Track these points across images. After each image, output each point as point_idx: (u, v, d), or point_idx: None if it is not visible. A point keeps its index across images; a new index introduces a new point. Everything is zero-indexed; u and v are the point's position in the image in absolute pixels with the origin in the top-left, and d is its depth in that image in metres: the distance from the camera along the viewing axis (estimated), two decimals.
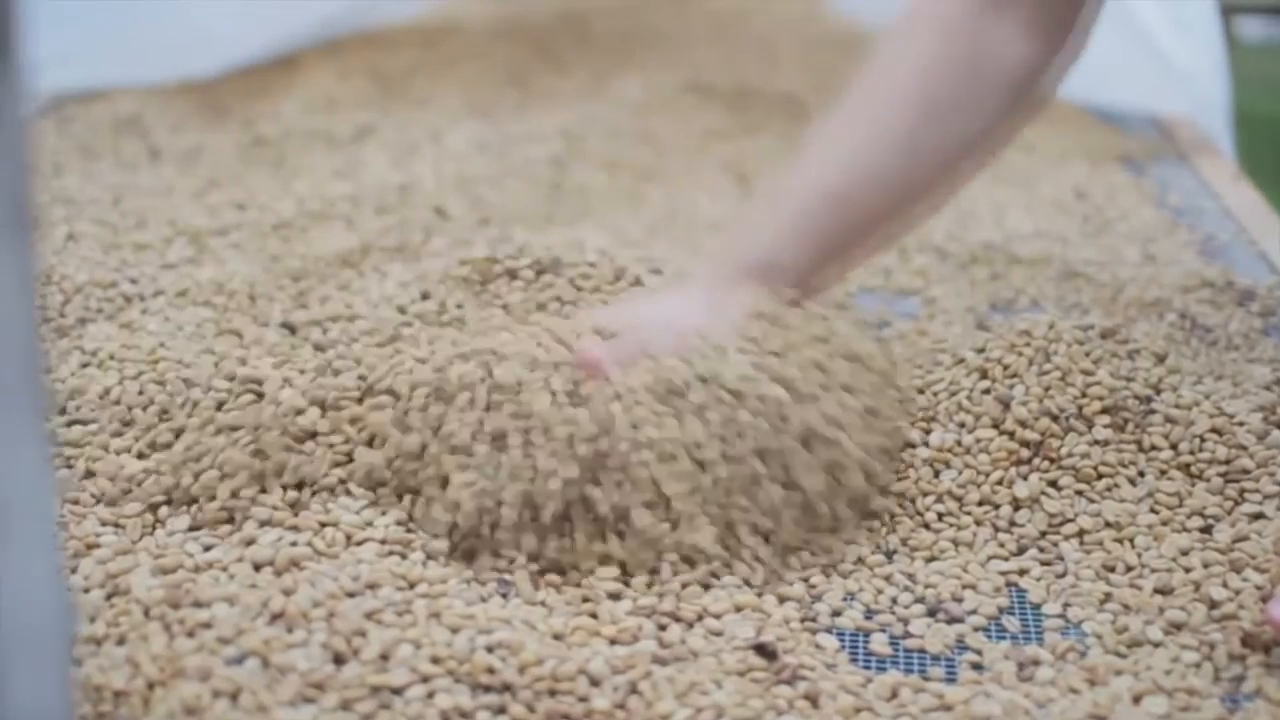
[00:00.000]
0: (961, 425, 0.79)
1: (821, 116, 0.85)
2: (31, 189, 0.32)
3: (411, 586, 0.66)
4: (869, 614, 0.69)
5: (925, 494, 0.77)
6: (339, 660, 0.61)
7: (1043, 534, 0.75)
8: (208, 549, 0.69)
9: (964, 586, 0.71)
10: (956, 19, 0.83)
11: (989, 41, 0.83)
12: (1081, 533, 0.75)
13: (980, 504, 0.76)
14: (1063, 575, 0.72)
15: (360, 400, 0.75)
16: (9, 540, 0.32)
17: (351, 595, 0.64)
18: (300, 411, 0.75)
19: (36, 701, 0.33)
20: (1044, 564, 0.73)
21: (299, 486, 0.72)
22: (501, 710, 0.59)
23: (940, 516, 0.76)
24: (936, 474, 0.77)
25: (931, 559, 0.73)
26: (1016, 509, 0.76)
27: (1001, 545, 0.74)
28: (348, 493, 0.72)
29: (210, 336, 0.89)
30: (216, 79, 1.49)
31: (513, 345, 0.74)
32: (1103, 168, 1.34)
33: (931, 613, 0.69)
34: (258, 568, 0.68)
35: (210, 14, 1.48)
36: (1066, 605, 0.70)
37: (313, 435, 0.74)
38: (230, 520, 0.71)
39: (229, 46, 1.51)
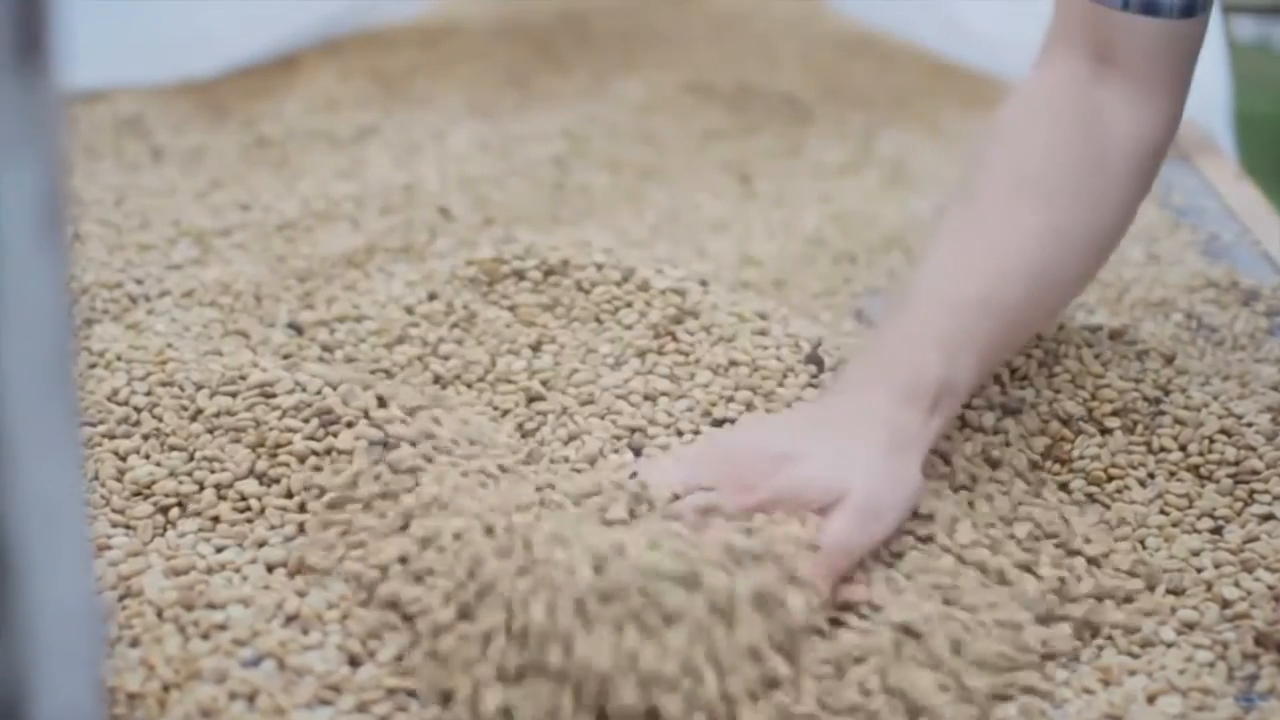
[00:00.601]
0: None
1: (948, 214, 0.79)
2: (65, 192, 0.32)
3: None
4: None
5: None
6: (354, 662, 0.61)
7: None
8: (219, 550, 0.69)
9: None
10: (1073, 101, 0.79)
11: (1110, 121, 0.79)
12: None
13: None
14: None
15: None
16: (42, 546, 0.32)
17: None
18: (309, 416, 0.75)
19: (70, 708, 0.33)
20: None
21: (307, 489, 0.72)
22: None
23: None
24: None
25: None
26: None
27: None
28: None
29: (217, 337, 0.88)
30: (217, 79, 1.48)
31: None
32: None
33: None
34: (270, 569, 0.68)
35: (210, 14, 1.48)
36: None
37: (322, 438, 0.74)
38: (241, 522, 0.71)
39: (229, 46, 1.51)
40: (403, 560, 0.63)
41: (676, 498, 0.65)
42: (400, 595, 0.62)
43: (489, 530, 0.61)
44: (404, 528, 0.66)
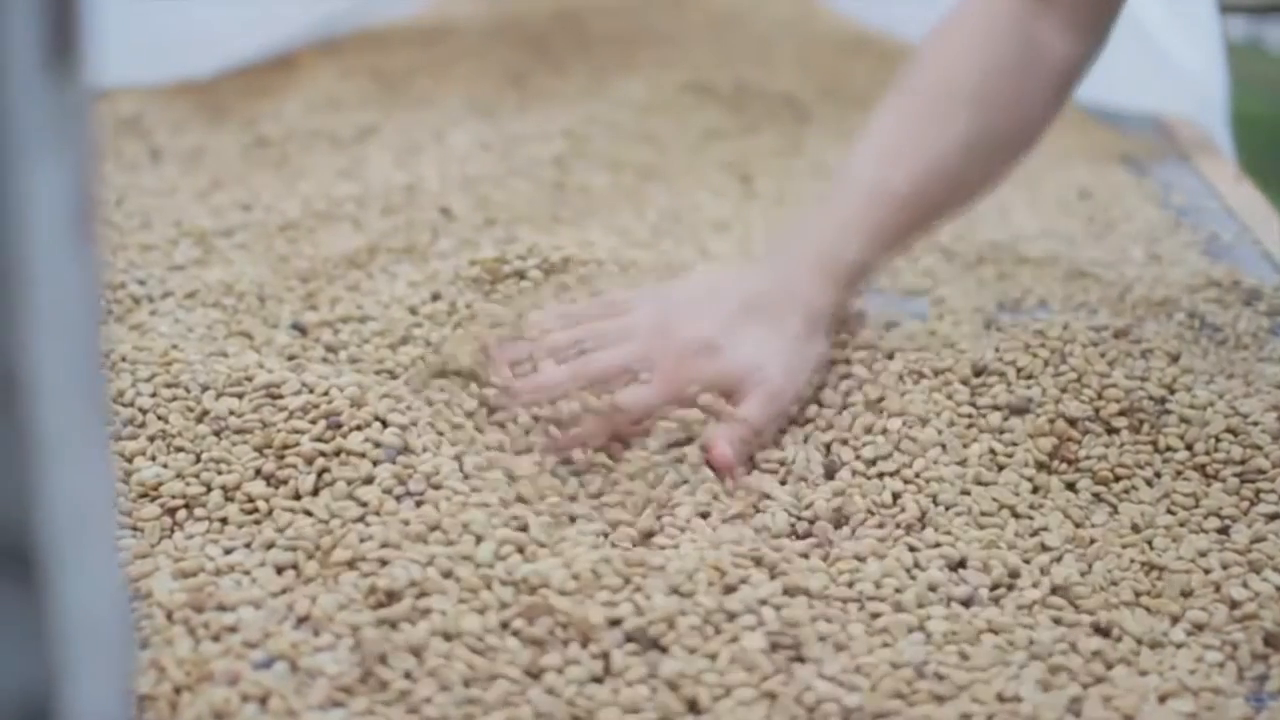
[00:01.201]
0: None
1: (885, 106, 0.87)
2: (96, 195, 0.32)
3: None
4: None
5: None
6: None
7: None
8: (228, 552, 0.69)
9: None
10: (1006, 15, 0.88)
11: (1038, 38, 0.88)
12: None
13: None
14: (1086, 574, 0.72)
15: None
16: (72, 548, 0.32)
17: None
18: (315, 417, 0.75)
19: (99, 711, 0.33)
20: None
21: (315, 492, 0.72)
22: None
23: None
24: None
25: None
26: None
27: None
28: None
29: (221, 338, 0.88)
30: (215, 79, 1.48)
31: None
32: (1104, 168, 1.34)
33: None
34: (280, 571, 0.67)
35: (207, 13, 1.48)
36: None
37: (330, 439, 0.74)
38: (249, 523, 0.71)
39: (227, 46, 1.50)
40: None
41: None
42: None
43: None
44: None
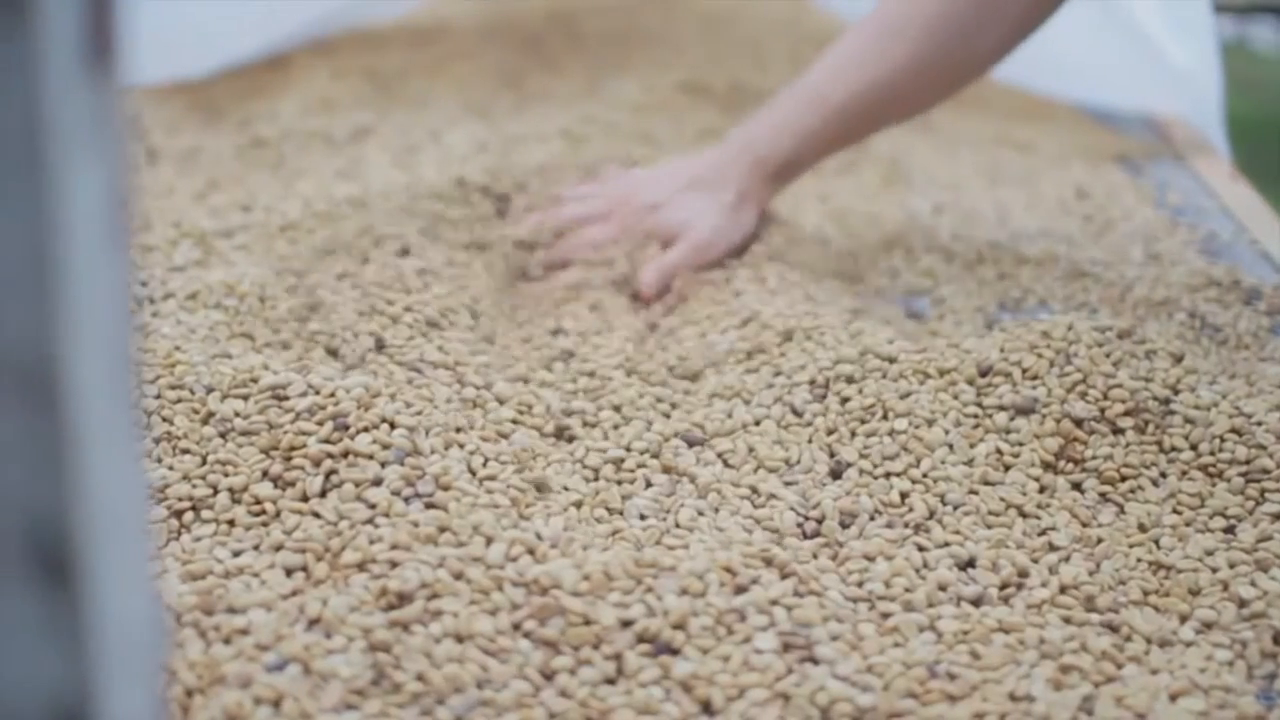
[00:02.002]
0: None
1: (854, 28, 0.98)
2: (129, 198, 0.32)
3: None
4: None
5: None
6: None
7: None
8: (236, 554, 0.69)
9: None
10: None
11: None
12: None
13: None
14: (1094, 573, 0.72)
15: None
16: (110, 552, 0.32)
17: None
18: (322, 418, 0.74)
19: (133, 716, 0.33)
20: None
21: (323, 494, 0.72)
22: None
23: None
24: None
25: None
26: None
27: None
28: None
29: (224, 340, 0.88)
30: (209, 79, 1.48)
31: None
32: (1101, 167, 1.35)
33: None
34: (289, 573, 0.67)
35: (200, 13, 1.47)
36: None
37: (338, 440, 0.73)
38: (257, 525, 0.71)
39: (220, 46, 1.50)
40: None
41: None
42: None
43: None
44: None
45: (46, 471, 0.30)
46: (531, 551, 0.67)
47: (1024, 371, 0.83)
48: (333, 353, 0.88)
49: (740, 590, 0.66)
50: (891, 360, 0.85)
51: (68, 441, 0.30)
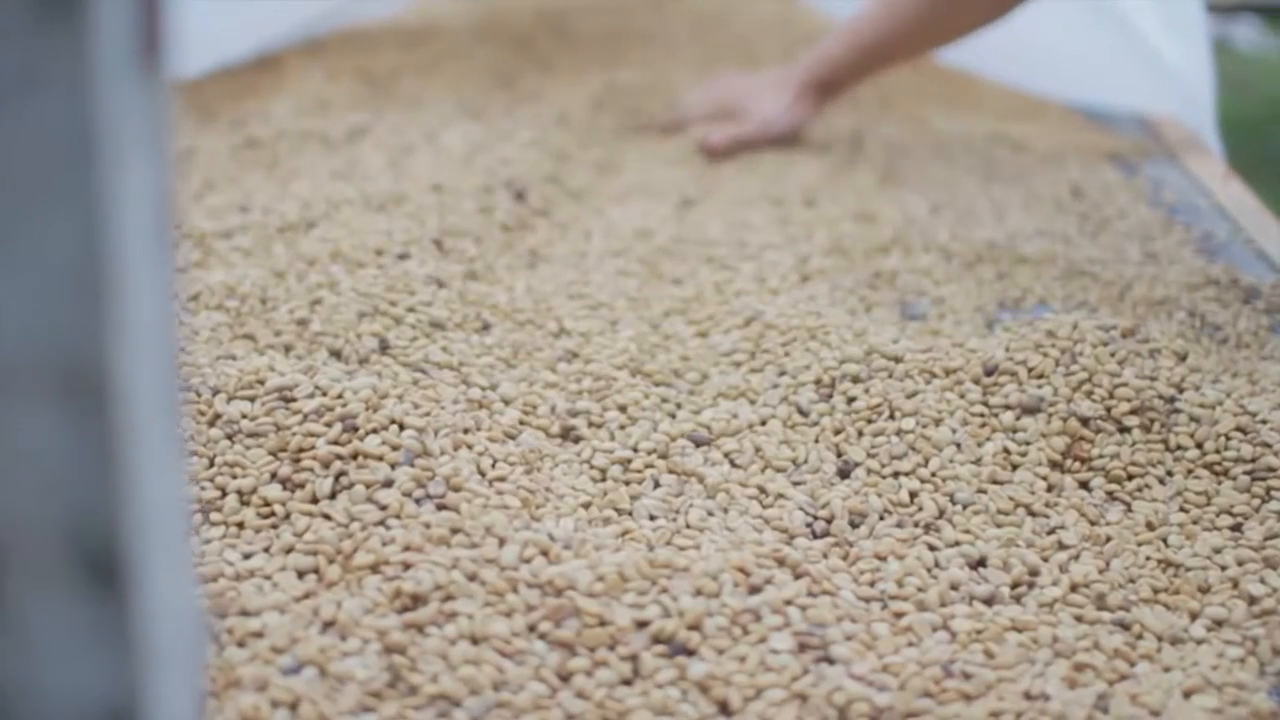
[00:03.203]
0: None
1: None
2: (175, 199, 0.32)
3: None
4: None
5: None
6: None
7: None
8: (247, 557, 0.68)
9: None
10: None
11: None
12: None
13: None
14: (1104, 572, 0.72)
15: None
16: (157, 556, 0.31)
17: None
18: (331, 420, 0.74)
19: (181, 716, 0.33)
20: None
21: (333, 495, 0.71)
22: None
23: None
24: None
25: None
26: None
27: None
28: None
29: (226, 341, 0.87)
30: (200, 79, 1.47)
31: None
32: (1095, 166, 1.35)
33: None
34: (301, 575, 0.67)
35: (192, 13, 1.46)
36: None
37: (347, 442, 0.73)
38: (267, 528, 0.70)
39: (211, 46, 1.49)
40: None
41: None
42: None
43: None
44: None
45: (95, 475, 0.30)
46: (545, 553, 0.67)
47: (1029, 371, 0.83)
48: (336, 354, 0.87)
49: (754, 590, 0.66)
50: (897, 360, 0.85)
51: (117, 445, 0.30)
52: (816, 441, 0.81)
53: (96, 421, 0.29)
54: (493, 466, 0.75)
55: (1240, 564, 0.73)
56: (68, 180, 0.29)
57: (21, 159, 0.28)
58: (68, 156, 0.28)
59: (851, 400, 0.83)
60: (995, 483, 0.78)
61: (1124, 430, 0.81)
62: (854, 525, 0.74)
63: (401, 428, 0.73)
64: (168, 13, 0.31)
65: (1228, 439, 0.80)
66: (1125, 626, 0.68)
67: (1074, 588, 0.70)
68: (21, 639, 0.30)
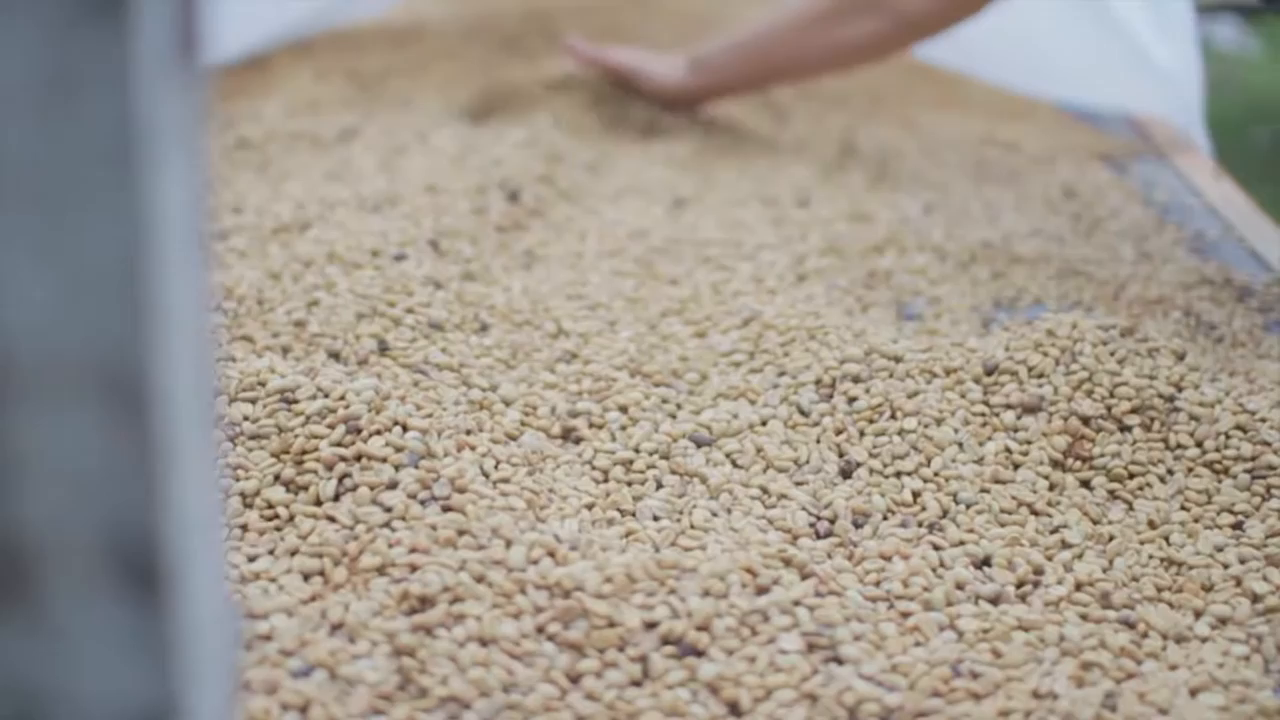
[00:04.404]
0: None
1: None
2: (208, 201, 0.32)
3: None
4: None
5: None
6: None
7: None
8: (252, 559, 0.68)
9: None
10: None
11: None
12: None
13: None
14: (1108, 569, 0.72)
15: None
16: (194, 562, 0.31)
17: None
18: (333, 421, 0.74)
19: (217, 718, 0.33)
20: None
21: (337, 497, 0.71)
22: None
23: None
24: None
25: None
26: None
27: None
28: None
29: (224, 343, 0.87)
30: None
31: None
32: (1086, 166, 1.35)
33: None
34: (306, 578, 0.66)
35: None
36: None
37: (350, 443, 0.73)
38: (270, 530, 0.70)
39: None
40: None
41: None
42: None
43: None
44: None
45: (134, 479, 0.30)
46: (552, 554, 0.66)
47: (1030, 370, 0.83)
48: (335, 355, 0.87)
49: (762, 591, 0.66)
50: (897, 359, 0.85)
51: (156, 449, 0.29)
52: (818, 442, 0.81)
53: (136, 425, 0.29)
54: (496, 468, 0.75)
55: (1243, 562, 0.73)
56: (110, 181, 0.28)
57: (63, 160, 0.28)
58: (110, 157, 0.28)
59: (852, 400, 0.83)
60: (998, 482, 0.78)
61: (1125, 429, 0.81)
62: (858, 525, 0.74)
63: (405, 429, 0.73)
64: (204, 10, 0.30)
65: (1228, 437, 0.80)
66: (1130, 625, 0.68)
67: (1079, 586, 0.71)
68: (59, 644, 0.30)
